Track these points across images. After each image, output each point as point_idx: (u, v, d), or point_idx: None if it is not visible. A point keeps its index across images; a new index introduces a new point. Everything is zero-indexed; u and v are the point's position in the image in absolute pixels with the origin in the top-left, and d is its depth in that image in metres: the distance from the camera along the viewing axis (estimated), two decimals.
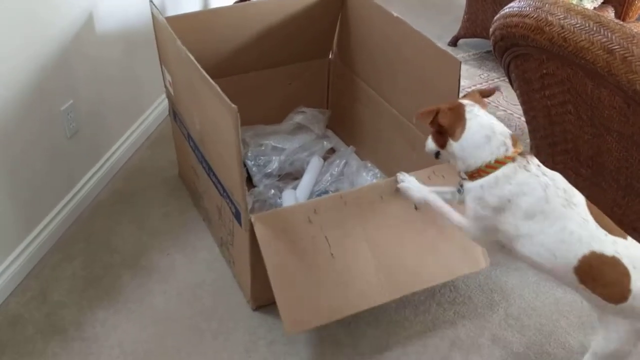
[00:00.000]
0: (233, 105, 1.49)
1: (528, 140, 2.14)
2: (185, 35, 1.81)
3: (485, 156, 1.37)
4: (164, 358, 1.73)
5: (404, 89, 2.09)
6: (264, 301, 1.84)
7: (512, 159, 1.37)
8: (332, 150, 2.50)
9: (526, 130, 2.12)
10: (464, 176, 1.44)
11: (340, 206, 1.71)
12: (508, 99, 3.04)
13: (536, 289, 1.97)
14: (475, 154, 1.38)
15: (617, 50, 1.47)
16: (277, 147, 2.39)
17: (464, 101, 1.44)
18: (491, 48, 1.92)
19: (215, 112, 1.65)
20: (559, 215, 1.34)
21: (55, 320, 1.82)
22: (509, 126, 2.75)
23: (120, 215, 2.23)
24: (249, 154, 2.36)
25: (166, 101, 2.30)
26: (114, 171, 2.44)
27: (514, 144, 1.40)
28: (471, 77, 3.28)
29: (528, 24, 1.68)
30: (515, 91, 1.99)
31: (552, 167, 2.00)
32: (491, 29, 1.85)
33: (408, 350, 1.76)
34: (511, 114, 2.92)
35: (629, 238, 1.36)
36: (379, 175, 2.24)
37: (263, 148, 2.38)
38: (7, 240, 1.91)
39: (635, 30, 1.46)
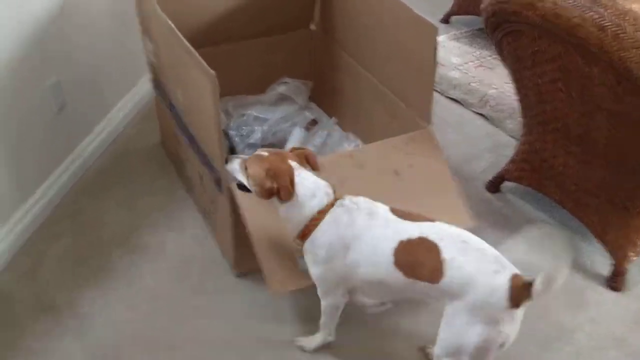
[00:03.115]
0: (211, 71, 1.51)
1: (520, 119, 2.13)
2: (167, 3, 1.80)
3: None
4: (155, 335, 1.73)
5: (384, 57, 2.09)
6: (246, 268, 1.86)
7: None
8: (314, 122, 2.50)
9: (518, 108, 2.12)
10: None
11: (319, 172, 1.73)
12: (500, 77, 3.02)
13: (529, 269, 1.97)
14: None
15: (609, 27, 1.45)
16: (259, 118, 2.38)
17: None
18: (483, 25, 1.90)
19: (195, 79, 1.66)
20: (365, 227, 1.44)
21: (46, 298, 1.82)
22: (501, 104, 2.77)
23: (109, 192, 2.22)
24: (232, 124, 2.36)
25: None
26: (104, 146, 2.42)
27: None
28: (463, 54, 3.26)
29: None
30: (507, 69, 1.98)
31: (543, 146, 2.02)
32: (483, 5, 1.83)
33: (400, 326, 1.77)
34: (503, 92, 2.90)
35: (437, 222, 1.42)
36: (360, 146, 2.25)
37: (245, 118, 2.38)
38: None
39: (629, 7, 1.45)
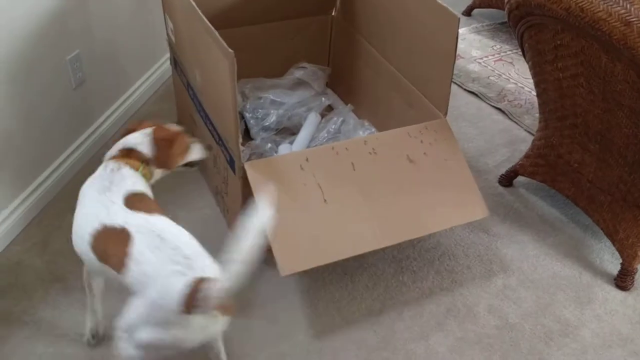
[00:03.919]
0: (230, 50, 1.51)
1: (537, 115, 2.12)
2: None
3: None
4: None
5: (403, 46, 2.08)
6: None
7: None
8: (330, 108, 2.51)
9: (536, 103, 2.10)
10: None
11: (332, 156, 1.75)
12: (519, 72, 3.00)
13: (535, 262, 1.97)
14: None
15: (635, 22, 1.43)
16: (276, 101, 2.39)
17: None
18: (506, 19, 1.89)
19: (213, 58, 1.66)
20: (91, 199, 1.43)
21: (56, 269, 1.84)
22: (519, 99, 2.76)
23: None
24: (248, 106, 2.36)
25: None
26: (120, 124, 2.43)
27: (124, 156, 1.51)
28: (483, 48, 3.24)
29: None
30: (528, 62, 1.96)
31: (559, 142, 2.01)
32: None
33: (404, 315, 1.77)
34: (522, 87, 2.89)
35: (164, 217, 1.39)
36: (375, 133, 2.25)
37: (262, 101, 2.38)
38: (10, 188, 1.91)
39: None
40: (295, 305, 1.78)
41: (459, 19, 1.71)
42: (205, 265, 1.30)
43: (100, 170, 1.49)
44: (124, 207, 1.39)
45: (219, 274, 1.24)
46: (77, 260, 1.85)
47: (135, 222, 1.35)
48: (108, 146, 2.29)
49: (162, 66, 2.71)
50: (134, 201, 1.41)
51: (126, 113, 2.46)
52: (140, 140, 1.53)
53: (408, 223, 1.75)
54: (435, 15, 1.81)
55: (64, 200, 2.08)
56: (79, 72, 2.12)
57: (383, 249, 1.94)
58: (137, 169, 1.50)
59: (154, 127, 1.57)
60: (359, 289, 1.84)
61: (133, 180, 1.47)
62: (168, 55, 2.70)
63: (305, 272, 1.83)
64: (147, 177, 1.52)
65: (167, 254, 1.29)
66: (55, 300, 1.75)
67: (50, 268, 1.84)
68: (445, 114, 1.88)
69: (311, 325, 1.73)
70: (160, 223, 1.37)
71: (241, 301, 1.78)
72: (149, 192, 1.51)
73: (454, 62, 1.79)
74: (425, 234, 1.89)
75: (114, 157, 1.51)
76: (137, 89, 2.54)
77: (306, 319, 1.75)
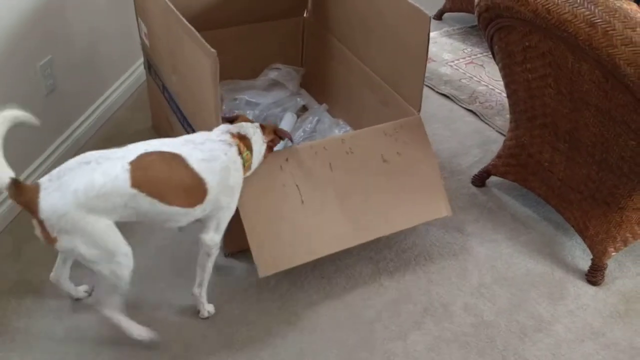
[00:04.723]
0: (212, 50, 1.51)
1: (508, 115, 2.16)
2: None
3: None
4: (138, 313, 1.73)
5: (376, 45, 2.11)
6: (236, 248, 1.90)
7: None
8: (304, 108, 2.53)
9: (506, 105, 2.14)
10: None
11: (310, 156, 1.78)
12: (490, 74, 3.06)
13: (509, 260, 2.01)
14: None
15: (599, 23, 1.48)
16: (251, 102, 2.41)
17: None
18: (476, 22, 1.92)
19: (193, 60, 1.67)
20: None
21: (30, 278, 1.81)
22: (490, 101, 2.80)
23: None
24: (223, 108, 2.37)
25: None
26: (92, 131, 2.41)
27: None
28: (455, 51, 3.29)
29: None
30: (498, 64, 2.00)
31: (530, 142, 2.05)
32: (476, 0, 1.85)
33: (382, 315, 1.79)
34: (492, 89, 2.94)
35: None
36: (350, 132, 2.27)
37: (237, 102, 2.40)
38: None
39: (619, 4, 1.47)
40: (273, 309, 1.78)
41: (430, 17, 1.75)
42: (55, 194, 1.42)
43: (206, 134, 1.60)
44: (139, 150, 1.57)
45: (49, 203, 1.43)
46: (51, 268, 1.84)
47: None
48: (84, 151, 2.29)
49: (136, 71, 2.69)
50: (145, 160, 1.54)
51: (101, 118, 2.44)
52: (253, 130, 1.65)
53: (378, 221, 1.80)
54: (406, 14, 1.85)
55: None
56: (50, 79, 2.10)
57: (360, 251, 1.95)
58: (242, 153, 1.60)
59: (259, 123, 1.71)
60: (336, 291, 1.85)
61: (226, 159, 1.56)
62: (141, 60, 2.70)
63: (283, 275, 1.84)
64: (246, 164, 1.61)
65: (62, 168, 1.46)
66: (29, 309, 1.72)
67: (24, 277, 1.81)
68: (419, 110, 1.91)
69: (290, 327, 1.74)
70: (101, 164, 1.50)
71: (216, 304, 1.78)
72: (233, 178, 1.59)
73: (427, 59, 1.83)
74: (392, 232, 1.92)
75: (232, 135, 1.60)
76: (111, 94, 2.52)
77: (285, 322, 1.75)
